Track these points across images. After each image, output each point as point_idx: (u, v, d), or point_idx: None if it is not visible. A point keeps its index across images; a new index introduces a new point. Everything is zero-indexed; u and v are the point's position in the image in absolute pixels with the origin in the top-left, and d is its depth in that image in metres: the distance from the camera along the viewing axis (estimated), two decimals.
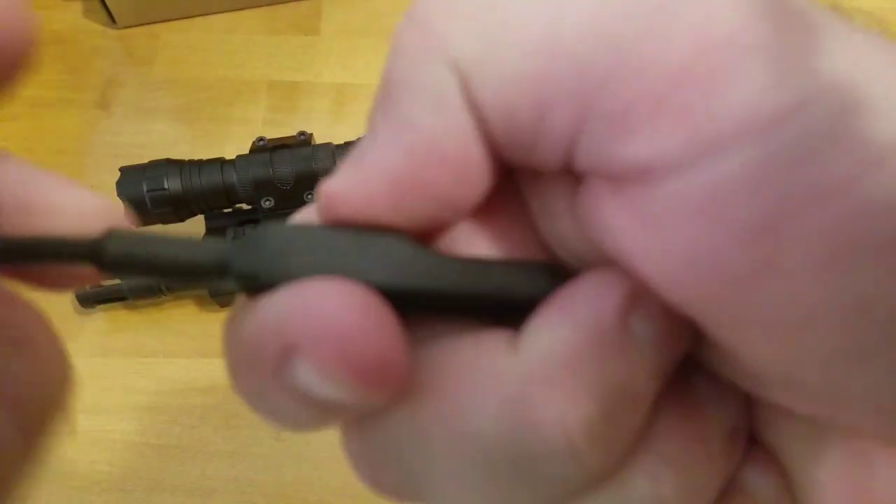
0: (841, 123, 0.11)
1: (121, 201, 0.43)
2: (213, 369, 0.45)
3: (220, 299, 0.45)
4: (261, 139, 0.44)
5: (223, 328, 0.13)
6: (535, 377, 0.12)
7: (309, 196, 0.43)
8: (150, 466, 0.42)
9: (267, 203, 0.43)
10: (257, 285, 0.13)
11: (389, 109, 0.13)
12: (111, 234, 0.13)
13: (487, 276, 0.13)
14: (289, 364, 0.12)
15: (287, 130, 0.46)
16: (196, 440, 0.43)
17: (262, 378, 0.12)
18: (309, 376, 0.12)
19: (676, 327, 0.13)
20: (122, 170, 0.43)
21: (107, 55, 0.57)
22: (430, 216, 0.13)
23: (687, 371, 0.14)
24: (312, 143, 0.44)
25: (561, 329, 0.12)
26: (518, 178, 0.15)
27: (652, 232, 0.12)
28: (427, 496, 0.13)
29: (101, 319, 0.47)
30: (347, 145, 0.44)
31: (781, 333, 0.12)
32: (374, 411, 0.13)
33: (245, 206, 0.45)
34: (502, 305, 0.13)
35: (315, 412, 0.12)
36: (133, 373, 0.45)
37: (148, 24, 0.58)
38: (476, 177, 0.13)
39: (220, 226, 0.45)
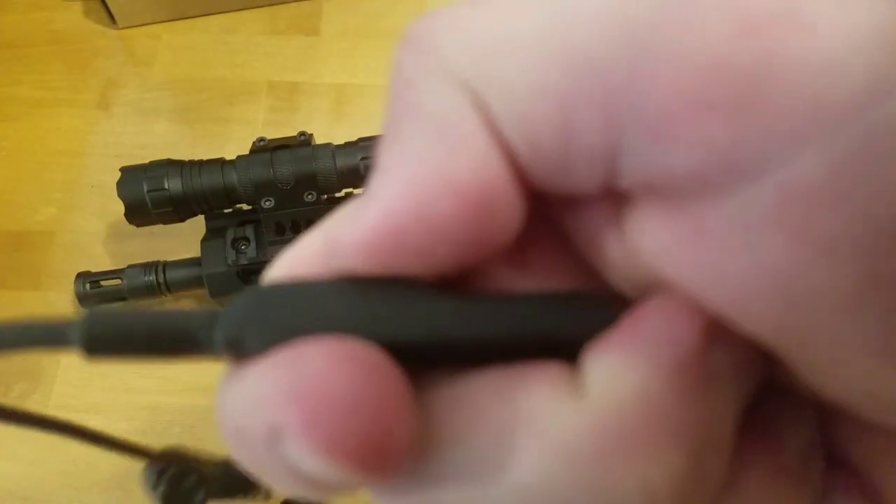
0: None
1: (121, 202, 0.43)
2: (213, 369, 0.45)
3: (220, 300, 0.45)
4: (261, 139, 0.44)
5: (218, 393, 0.12)
6: (611, 429, 0.10)
7: (309, 196, 0.43)
8: None
9: (267, 203, 0.43)
10: (246, 352, 0.11)
11: (394, 144, 0.11)
12: (91, 318, 0.12)
13: (524, 314, 0.12)
14: (278, 443, 0.10)
15: (287, 131, 0.46)
16: (196, 440, 0.43)
17: (255, 454, 0.11)
18: (300, 458, 0.10)
19: (756, 352, 0.11)
20: (122, 170, 0.43)
21: (107, 56, 0.57)
22: (452, 261, 0.11)
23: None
24: (313, 143, 0.44)
25: (636, 369, 0.11)
26: (554, 205, 0.13)
27: (714, 251, 0.10)
28: None
29: None
30: (348, 145, 0.44)
31: (883, 357, 0.10)
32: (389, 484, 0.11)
33: (245, 207, 0.45)
34: (546, 348, 0.12)
35: (317, 489, 0.11)
36: (133, 373, 0.45)
37: (148, 24, 0.57)
38: (502, 211, 0.11)
39: (220, 226, 0.45)
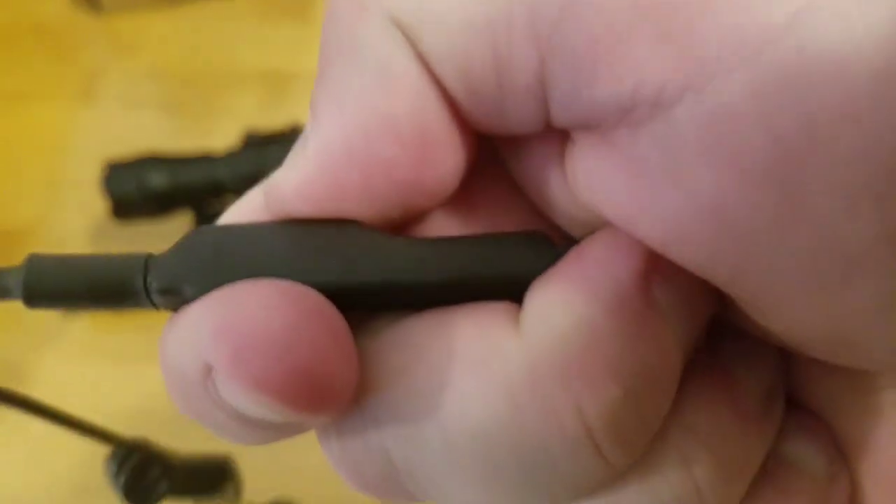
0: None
1: (105, 198, 0.43)
2: None
3: None
4: (251, 132, 0.44)
5: (159, 340, 0.12)
6: (548, 362, 0.10)
7: None
8: None
9: None
10: (183, 300, 0.11)
11: (330, 85, 0.11)
12: (29, 265, 0.11)
13: (470, 256, 0.11)
14: (212, 384, 0.10)
15: (279, 122, 0.46)
16: (189, 444, 0.42)
17: (194, 399, 0.11)
18: (232, 396, 0.10)
19: (702, 288, 0.11)
20: (107, 165, 0.43)
21: (91, 44, 0.56)
22: (396, 204, 0.11)
23: (709, 328, 0.12)
24: None
25: (575, 302, 0.11)
26: (499, 147, 0.13)
27: (646, 184, 0.10)
28: (422, 496, 0.12)
29: (86, 322, 0.46)
30: None
31: (814, 287, 0.10)
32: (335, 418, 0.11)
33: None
34: (490, 289, 0.12)
35: (261, 431, 0.11)
36: (121, 376, 0.44)
37: (135, 12, 0.57)
38: (443, 151, 0.11)
39: (209, 222, 0.44)
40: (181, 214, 0.44)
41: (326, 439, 0.12)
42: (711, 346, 0.12)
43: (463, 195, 0.13)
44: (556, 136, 0.12)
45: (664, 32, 0.09)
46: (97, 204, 0.46)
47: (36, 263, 0.11)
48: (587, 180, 0.11)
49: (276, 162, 0.45)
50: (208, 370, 0.10)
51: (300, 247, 0.11)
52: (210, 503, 0.32)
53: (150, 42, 0.56)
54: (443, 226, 0.13)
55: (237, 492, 0.34)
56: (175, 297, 0.11)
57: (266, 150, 0.42)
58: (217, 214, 0.47)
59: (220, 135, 0.49)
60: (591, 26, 0.10)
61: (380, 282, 0.11)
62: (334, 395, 0.10)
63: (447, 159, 0.11)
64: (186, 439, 0.42)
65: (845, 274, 0.10)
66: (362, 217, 0.11)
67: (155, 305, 0.12)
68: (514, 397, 0.11)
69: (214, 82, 0.54)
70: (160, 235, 0.47)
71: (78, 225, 0.49)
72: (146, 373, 0.44)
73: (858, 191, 0.09)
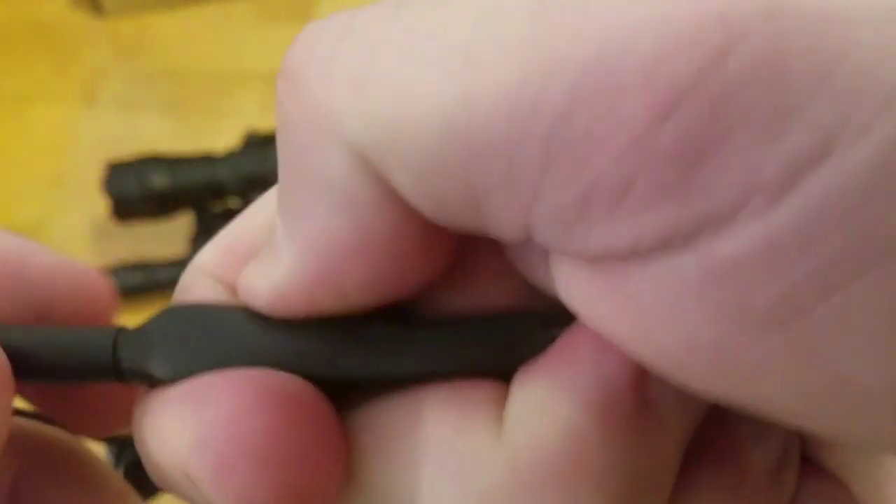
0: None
1: (106, 199, 0.42)
2: None
3: None
4: (252, 132, 0.44)
5: (132, 421, 0.11)
6: (529, 473, 0.10)
7: None
8: None
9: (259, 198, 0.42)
10: (153, 380, 0.11)
11: (291, 209, 0.11)
12: None
13: (453, 344, 0.11)
14: (193, 484, 0.10)
15: None
16: None
17: (174, 488, 0.11)
18: (217, 502, 0.10)
19: None
20: (108, 165, 0.42)
21: (93, 46, 0.55)
22: (375, 301, 0.11)
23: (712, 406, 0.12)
24: None
25: (560, 406, 0.10)
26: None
27: (638, 318, 0.09)
28: None
29: None
30: None
31: (822, 413, 0.09)
32: None
33: (233, 207, 0.44)
34: (486, 373, 0.11)
35: None
36: None
37: (136, 12, 0.56)
38: (419, 260, 0.10)
39: (210, 223, 0.44)
40: (182, 215, 0.44)
41: None
42: (715, 415, 0.12)
43: (461, 268, 0.12)
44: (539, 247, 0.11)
45: (662, 185, 0.08)
46: (98, 204, 0.45)
47: (2, 334, 0.11)
48: (573, 293, 0.10)
49: (277, 162, 0.44)
50: (191, 481, 0.10)
51: (280, 334, 0.11)
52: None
53: (152, 43, 0.55)
54: (442, 299, 0.12)
55: None
56: (145, 377, 0.11)
57: (266, 151, 0.42)
58: (217, 214, 0.47)
59: (220, 135, 0.49)
60: (577, 181, 0.09)
61: (359, 375, 0.11)
62: (321, 499, 0.10)
63: (424, 266, 0.11)
64: None
65: (853, 408, 0.09)
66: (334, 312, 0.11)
67: (125, 381, 0.11)
68: None
69: (215, 83, 0.54)
70: (160, 235, 0.46)
71: (79, 225, 0.48)
72: None
73: (872, 335, 0.08)
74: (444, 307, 0.12)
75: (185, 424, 0.10)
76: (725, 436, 0.12)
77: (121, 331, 0.11)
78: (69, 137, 0.52)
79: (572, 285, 0.10)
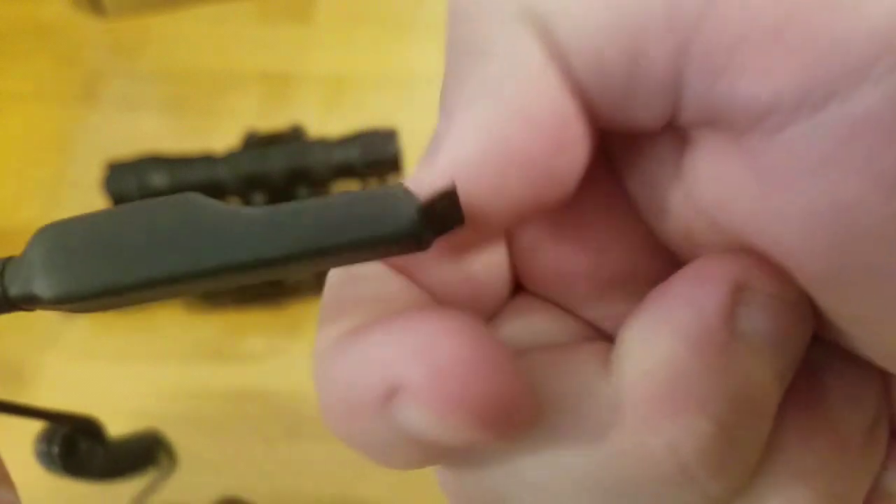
0: None
1: (106, 198, 0.42)
2: (203, 374, 0.44)
3: (213, 300, 0.44)
4: (251, 132, 0.44)
5: (315, 365, 0.12)
6: (635, 401, 0.11)
7: (302, 191, 0.42)
8: None
9: (258, 199, 0.42)
10: (39, 302, 0.11)
11: (461, 81, 0.11)
12: None
13: (316, 224, 0.11)
14: (391, 406, 0.10)
15: (279, 123, 0.46)
16: (189, 444, 0.42)
17: (362, 420, 0.11)
18: (417, 418, 0.10)
19: (797, 315, 0.11)
20: (108, 165, 0.42)
21: (94, 47, 0.55)
22: (532, 198, 0.11)
23: (809, 359, 0.12)
24: (306, 137, 0.44)
25: (658, 341, 0.11)
26: (613, 148, 0.13)
27: (775, 188, 0.10)
28: None
29: (86, 322, 0.46)
30: (343, 139, 0.43)
31: None
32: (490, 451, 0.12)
33: (236, 201, 0.44)
34: (351, 256, 0.11)
35: (425, 455, 0.11)
36: (121, 376, 0.44)
37: (137, 13, 0.56)
38: (575, 143, 0.11)
39: None
40: None
41: (445, 475, 0.12)
42: (812, 376, 0.12)
43: (575, 212, 0.13)
44: (675, 138, 0.12)
45: (810, 35, 0.09)
46: (98, 204, 0.45)
47: None
48: (709, 183, 0.11)
49: (277, 162, 0.44)
50: (393, 391, 0.10)
51: (147, 233, 0.11)
52: (147, 476, 0.32)
53: (152, 43, 0.55)
54: (550, 238, 0.13)
55: (172, 462, 0.34)
56: (33, 300, 0.11)
57: (266, 151, 0.42)
58: None
59: (220, 135, 0.49)
60: (734, 25, 0.09)
61: (225, 264, 0.11)
62: (519, 419, 0.10)
63: (576, 147, 0.11)
64: (187, 439, 0.42)
65: None
66: (491, 213, 0.11)
67: (17, 308, 0.11)
68: (608, 439, 0.11)
69: (215, 83, 0.54)
70: None
71: None
72: (146, 373, 0.44)
73: None
74: (563, 265, 0.13)
75: (396, 344, 0.10)
76: (821, 394, 0.12)
77: (7, 260, 0.11)
78: (69, 137, 0.52)
79: (708, 174, 0.11)
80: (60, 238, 0.11)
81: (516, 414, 0.10)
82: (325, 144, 0.42)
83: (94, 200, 0.46)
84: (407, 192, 0.11)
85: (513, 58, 0.11)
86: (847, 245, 0.10)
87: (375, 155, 0.42)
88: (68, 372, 0.44)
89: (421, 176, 0.11)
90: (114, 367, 0.44)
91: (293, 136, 0.43)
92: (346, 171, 0.42)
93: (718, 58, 0.10)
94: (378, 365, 0.10)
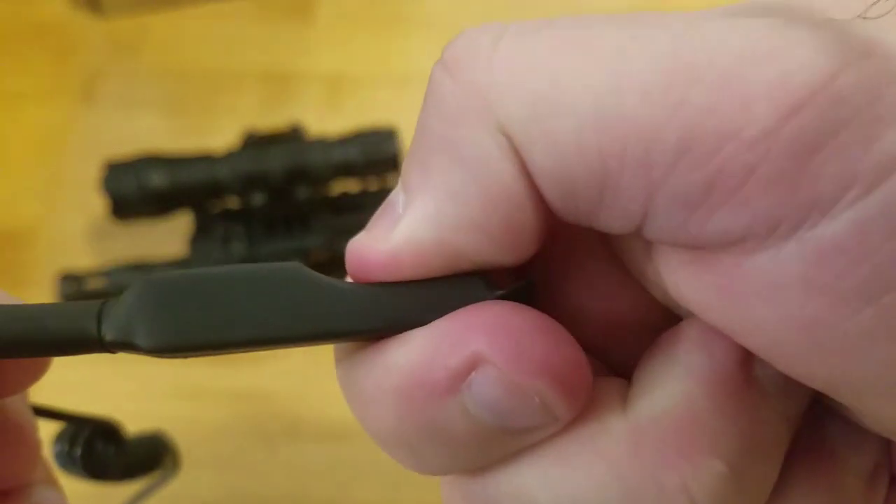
0: None
1: (105, 198, 0.42)
2: (203, 373, 0.44)
3: None
4: (251, 132, 0.43)
5: (340, 374, 0.13)
6: (650, 439, 0.11)
7: (302, 191, 0.42)
8: None
9: (257, 198, 0.42)
10: (137, 348, 0.11)
11: (428, 174, 0.12)
12: None
13: (404, 301, 0.12)
14: (472, 382, 0.11)
15: (279, 123, 0.45)
16: (189, 444, 0.42)
17: (427, 408, 0.11)
18: (496, 393, 0.11)
19: None
20: (106, 164, 0.42)
21: (92, 45, 0.55)
22: (474, 266, 0.12)
23: (813, 409, 0.13)
24: (306, 136, 0.44)
25: (674, 382, 0.11)
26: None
27: (742, 306, 0.11)
28: None
29: None
30: (342, 138, 0.43)
31: None
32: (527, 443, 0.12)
33: (232, 207, 0.44)
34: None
35: (480, 447, 0.11)
36: (121, 376, 0.44)
37: (136, 12, 0.56)
38: (529, 240, 0.12)
39: (209, 223, 0.44)
40: (181, 214, 0.44)
41: (451, 492, 0.13)
42: (814, 424, 0.13)
43: (581, 260, 0.13)
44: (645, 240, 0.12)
45: (780, 173, 0.10)
46: (97, 204, 0.45)
47: None
48: (676, 287, 0.12)
49: (276, 161, 0.44)
50: (471, 366, 0.11)
51: (252, 296, 0.11)
52: (152, 477, 0.32)
53: (150, 43, 0.55)
54: (558, 292, 0.14)
55: (175, 463, 0.34)
56: (130, 348, 0.12)
57: (266, 150, 0.42)
58: (216, 214, 0.47)
59: (220, 135, 0.49)
60: (707, 166, 0.10)
61: (324, 331, 0.12)
62: (585, 393, 0.11)
63: (530, 245, 0.12)
64: (187, 440, 0.42)
65: None
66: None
67: (111, 351, 0.12)
68: (621, 475, 0.11)
69: (214, 82, 0.53)
70: (160, 235, 0.46)
71: (78, 225, 0.48)
72: (146, 373, 0.44)
73: None
74: (570, 310, 0.14)
75: (466, 322, 0.11)
76: (823, 442, 0.13)
77: (104, 304, 0.12)
78: (68, 136, 0.52)
79: (680, 278, 0.12)
80: (165, 292, 0.11)
81: (586, 385, 0.11)
82: (324, 144, 0.42)
83: (93, 199, 0.46)
84: (489, 284, 0.12)
85: (479, 167, 0.11)
86: (820, 355, 0.10)
87: (375, 154, 0.42)
88: (68, 373, 0.43)
89: (374, 240, 0.12)
90: (114, 368, 0.44)
91: (293, 136, 0.43)
92: (346, 170, 0.42)
93: (690, 197, 0.10)
94: (448, 346, 0.11)
